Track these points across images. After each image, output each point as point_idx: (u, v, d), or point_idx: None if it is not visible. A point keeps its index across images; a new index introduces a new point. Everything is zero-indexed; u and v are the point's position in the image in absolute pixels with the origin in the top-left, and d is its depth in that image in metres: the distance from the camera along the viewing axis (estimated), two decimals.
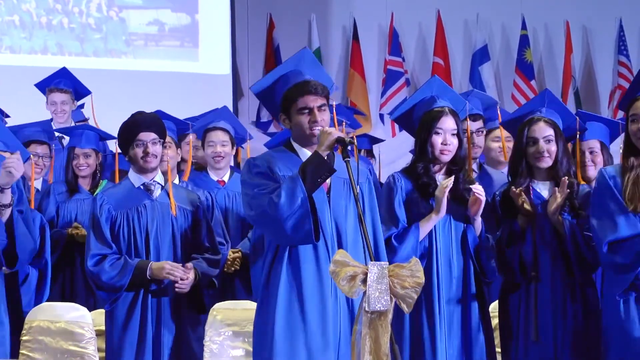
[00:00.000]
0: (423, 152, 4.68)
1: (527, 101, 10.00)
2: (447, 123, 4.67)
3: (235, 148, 6.39)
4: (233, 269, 5.95)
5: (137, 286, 4.84)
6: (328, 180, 4.19)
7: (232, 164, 6.59)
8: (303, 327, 4.12)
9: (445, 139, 4.65)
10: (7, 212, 4.18)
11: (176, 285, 4.84)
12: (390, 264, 3.93)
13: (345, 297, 4.10)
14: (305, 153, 4.21)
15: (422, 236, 4.62)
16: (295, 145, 4.29)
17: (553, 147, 4.75)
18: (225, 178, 6.33)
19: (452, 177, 4.61)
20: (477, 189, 4.59)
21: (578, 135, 5.04)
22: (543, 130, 4.77)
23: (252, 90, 4.43)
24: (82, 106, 7.70)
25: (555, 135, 4.77)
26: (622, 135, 4.63)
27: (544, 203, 4.73)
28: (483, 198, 4.59)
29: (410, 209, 4.68)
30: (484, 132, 6.35)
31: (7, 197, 4.21)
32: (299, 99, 4.20)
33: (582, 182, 4.93)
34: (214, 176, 6.31)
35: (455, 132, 4.68)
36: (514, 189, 4.71)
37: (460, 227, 4.69)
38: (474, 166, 5.96)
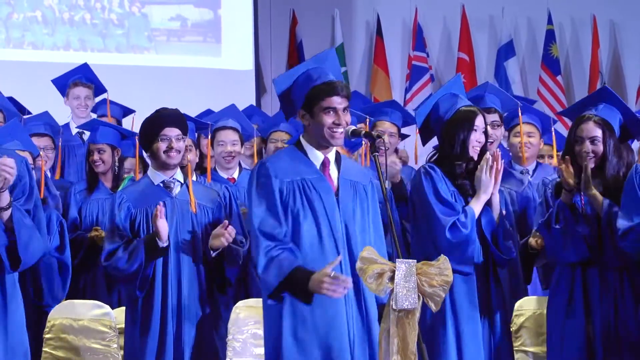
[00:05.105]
0: (462, 151, 4.70)
1: (553, 97, 10.11)
2: (481, 121, 4.72)
3: (243, 146, 6.37)
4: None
5: (155, 257, 4.76)
6: (336, 182, 4.17)
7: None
8: (314, 332, 4.06)
9: (479, 136, 4.71)
10: (7, 214, 4.12)
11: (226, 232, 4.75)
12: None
13: (356, 300, 4.05)
14: (316, 154, 4.18)
15: (476, 216, 4.65)
16: (307, 146, 4.24)
17: (599, 148, 4.71)
18: (235, 175, 6.33)
19: (488, 154, 4.64)
20: (494, 155, 4.62)
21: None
22: (590, 131, 4.73)
23: (275, 82, 4.39)
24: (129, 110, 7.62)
25: (603, 135, 4.71)
26: None
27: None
28: (500, 166, 4.61)
29: None
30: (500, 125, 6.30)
31: (3, 200, 4.15)
32: (325, 99, 4.16)
33: None
34: (223, 174, 6.30)
35: (484, 129, 4.75)
36: (562, 161, 4.69)
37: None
38: None
